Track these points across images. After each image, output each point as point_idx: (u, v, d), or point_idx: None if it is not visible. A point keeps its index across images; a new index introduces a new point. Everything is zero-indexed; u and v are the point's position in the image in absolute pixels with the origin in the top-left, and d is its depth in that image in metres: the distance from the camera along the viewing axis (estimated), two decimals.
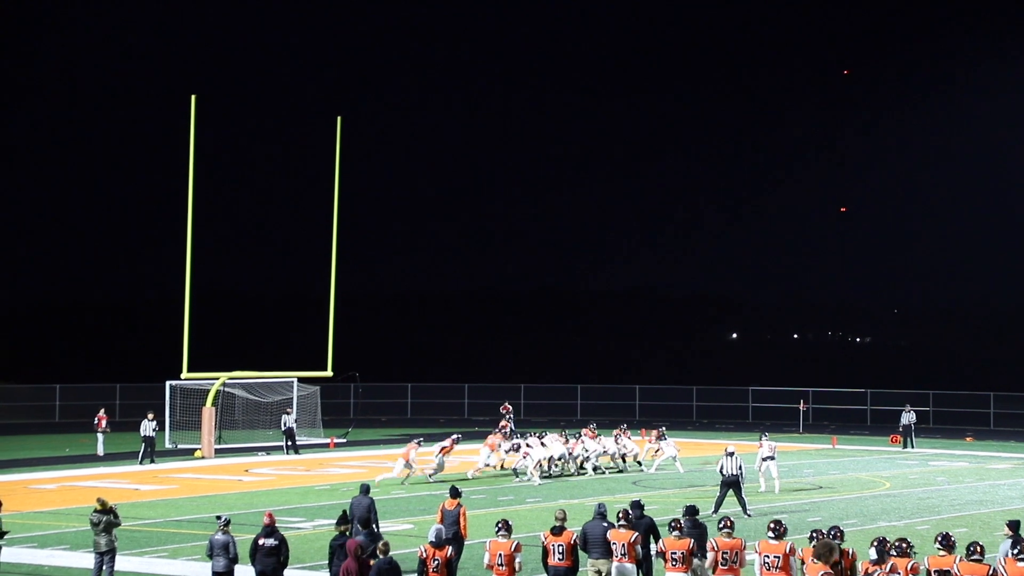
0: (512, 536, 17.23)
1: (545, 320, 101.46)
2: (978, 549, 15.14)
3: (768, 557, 16.55)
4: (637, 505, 19.57)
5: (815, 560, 14.85)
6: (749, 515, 28.18)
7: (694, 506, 19.53)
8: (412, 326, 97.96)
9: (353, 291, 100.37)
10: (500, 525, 17.30)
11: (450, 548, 16.94)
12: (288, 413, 44.57)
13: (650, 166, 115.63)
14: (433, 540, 16.82)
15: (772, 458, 32.87)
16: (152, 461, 39.95)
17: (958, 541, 16.25)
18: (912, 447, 46.59)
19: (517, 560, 16.91)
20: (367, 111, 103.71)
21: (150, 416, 40.70)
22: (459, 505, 20.86)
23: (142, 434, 40.22)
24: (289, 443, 43.59)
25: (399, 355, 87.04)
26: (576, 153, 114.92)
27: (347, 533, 18.25)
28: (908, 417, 46.96)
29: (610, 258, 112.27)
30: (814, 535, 16.46)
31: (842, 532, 16.59)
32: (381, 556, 16.33)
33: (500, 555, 16.93)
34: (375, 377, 68.52)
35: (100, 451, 42.39)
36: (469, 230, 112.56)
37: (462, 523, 20.58)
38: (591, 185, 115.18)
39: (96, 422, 42.98)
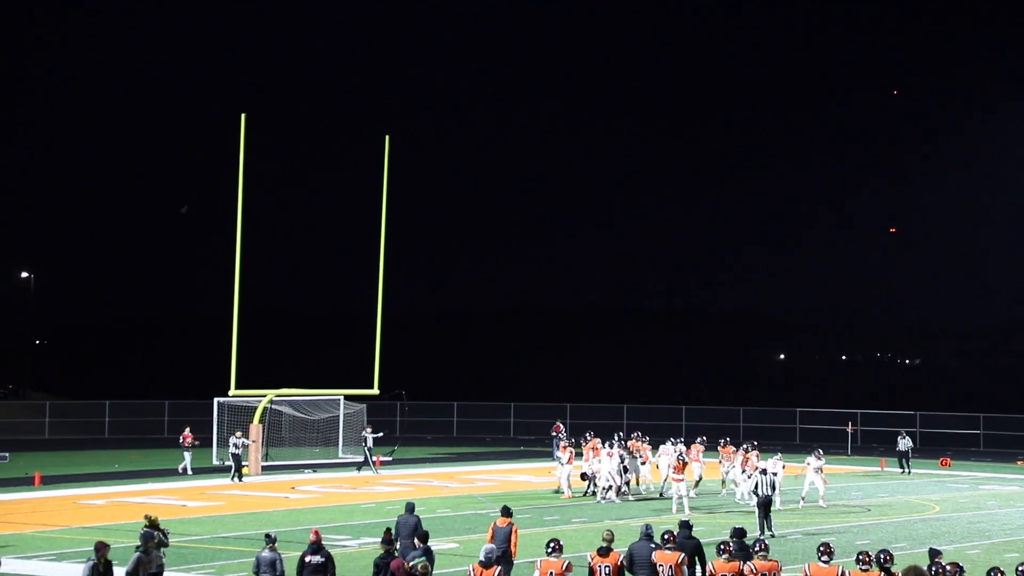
0: (562, 556, 17.18)
1: (592, 339, 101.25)
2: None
3: None
4: (686, 525, 19.48)
5: None
6: (774, 535, 28.03)
7: (742, 528, 19.40)
8: (458, 344, 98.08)
9: (400, 309, 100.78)
10: (552, 544, 17.27)
11: (499, 568, 16.90)
12: (369, 432, 44.45)
13: (700, 186, 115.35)
14: (483, 560, 16.79)
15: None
16: (240, 479, 40.28)
17: (1007, 565, 16.04)
18: (909, 471, 45.90)
19: None
20: (417, 130, 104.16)
21: (238, 434, 41.51)
22: (511, 524, 20.77)
23: (231, 451, 40.67)
24: (364, 461, 43.67)
25: (445, 374, 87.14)
26: (621, 172, 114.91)
27: (393, 552, 18.25)
28: (904, 443, 46.35)
29: (659, 277, 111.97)
30: (860, 557, 16.30)
31: (891, 555, 16.42)
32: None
33: (551, 573, 16.89)
34: (421, 395, 68.68)
35: (188, 469, 42.50)
36: (516, 248, 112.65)
37: (513, 541, 20.46)
38: (637, 205, 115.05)
39: (182, 440, 43.06)
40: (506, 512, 21.18)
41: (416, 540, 19.49)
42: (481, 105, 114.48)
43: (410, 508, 21.75)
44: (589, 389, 77.98)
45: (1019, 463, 51.49)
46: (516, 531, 20.82)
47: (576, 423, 63.35)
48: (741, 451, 36.72)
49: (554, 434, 49.48)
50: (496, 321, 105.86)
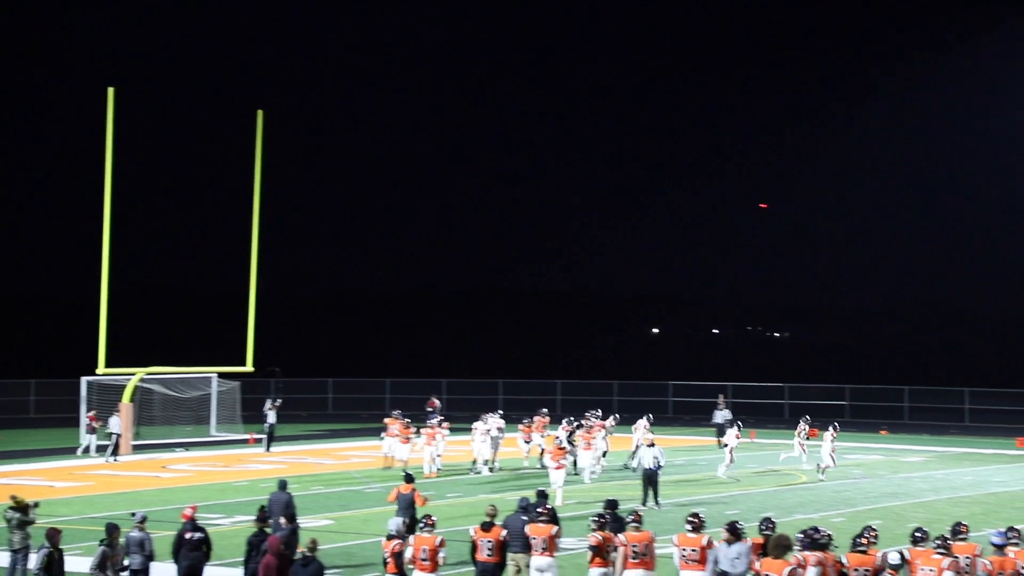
0: (435, 532, 17.24)
1: (470, 316, 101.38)
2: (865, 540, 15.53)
3: (686, 551, 16.72)
4: (542, 495, 19.81)
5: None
6: (659, 507, 28.53)
7: (615, 500, 19.66)
8: (333, 321, 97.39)
9: (277, 287, 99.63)
10: (424, 520, 17.33)
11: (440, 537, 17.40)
12: (271, 406, 43.49)
13: (578, 165, 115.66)
14: (393, 532, 17.03)
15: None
16: (114, 458, 39.54)
17: (879, 534, 16.57)
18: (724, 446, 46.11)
19: (441, 555, 16.95)
20: (293, 105, 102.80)
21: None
22: (413, 490, 22.11)
23: (107, 431, 40.01)
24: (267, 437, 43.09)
25: (320, 350, 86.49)
26: (508, 152, 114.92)
27: (266, 530, 18.15)
28: (722, 415, 46.32)
29: (533, 256, 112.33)
30: (729, 526, 16.61)
31: (773, 523, 16.83)
32: (307, 554, 16.28)
33: (424, 549, 16.96)
34: (296, 372, 68.06)
35: (92, 449, 41.35)
36: (394, 227, 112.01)
37: (418, 505, 21.97)
38: (516, 183, 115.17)
39: (88, 421, 41.93)
40: (409, 479, 22.45)
41: (283, 519, 19.44)
42: (374, 82, 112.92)
43: (282, 485, 21.66)
44: (466, 365, 78.12)
45: (882, 432, 52.88)
46: (419, 496, 22.17)
47: (452, 398, 63.44)
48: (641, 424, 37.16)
49: (429, 409, 49.43)
50: (372, 297, 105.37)
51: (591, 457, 34.59)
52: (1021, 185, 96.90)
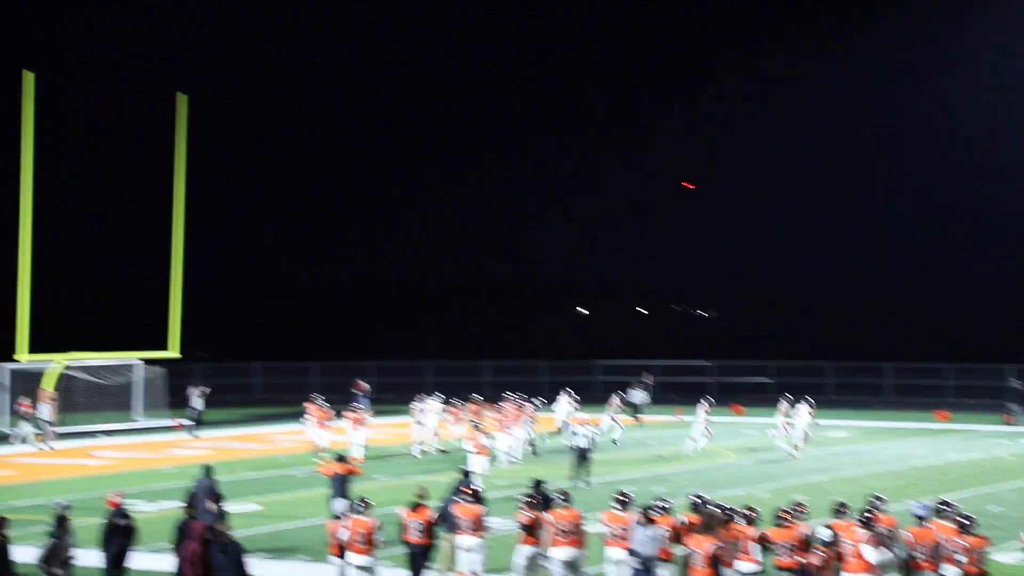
0: (370, 513, 17.27)
1: (397, 301, 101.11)
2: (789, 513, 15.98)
3: (614, 528, 16.91)
4: (465, 472, 19.91)
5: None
6: (589, 485, 28.77)
7: (540, 480, 19.78)
8: (260, 305, 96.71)
9: (203, 273, 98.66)
10: (360, 502, 17.38)
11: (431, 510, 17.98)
12: (197, 392, 43.20)
13: (501, 153, 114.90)
14: (338, 514, 17.18)
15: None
16: (41, 445, 39.24)
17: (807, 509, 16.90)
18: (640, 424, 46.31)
19: (377, 537, 16.99)
20: (219, 89, 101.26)
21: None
22: (347, 469, 22.73)
23: (38, 417, 39.63)
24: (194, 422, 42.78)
25: (247, 334, 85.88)
26: (432, 142, 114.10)
27: (195, 515, 18.07)
28: (638, 395, 46.40)
29: (456, 244, 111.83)
30: (654, 503, 16.81)
31: (704, 498, 17.09)
32: (225, 539, 16.24)
33: (360, 532, 17.02)
34: (222, 357, 67.62)
35: (27, 437, 40.64)
36: (318, 215, 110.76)
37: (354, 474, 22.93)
38: (447, 171, 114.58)
39: (18, 408, 41.22)
40: (341, 459, 23.11)
41: (207, 502, 19.39)
42: (296, 72, 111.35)
43: (207, 471, 21.54)
44: (396, 347, 77.96)
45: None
46: (354, 467, 22.99)
47: (382, 381, 63.35)
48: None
49: (357, 392, 49.29)
50: (300, 282, 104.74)
51: (508, 441, 34.55)
52: (939, 165, 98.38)
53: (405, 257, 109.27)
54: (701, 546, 15.00)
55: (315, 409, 36.34)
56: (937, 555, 15.31)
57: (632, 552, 16.31)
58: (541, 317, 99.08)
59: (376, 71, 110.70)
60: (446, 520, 18.22)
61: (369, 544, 16.88)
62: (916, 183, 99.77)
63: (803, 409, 36.47)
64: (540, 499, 18.51)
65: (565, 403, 38.96)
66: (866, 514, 15.80)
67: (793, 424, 36.24)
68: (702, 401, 37.53)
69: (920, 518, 15.76)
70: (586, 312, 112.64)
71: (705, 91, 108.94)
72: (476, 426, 31.48)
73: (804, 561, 15.47)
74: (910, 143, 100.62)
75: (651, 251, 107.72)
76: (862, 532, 15.08)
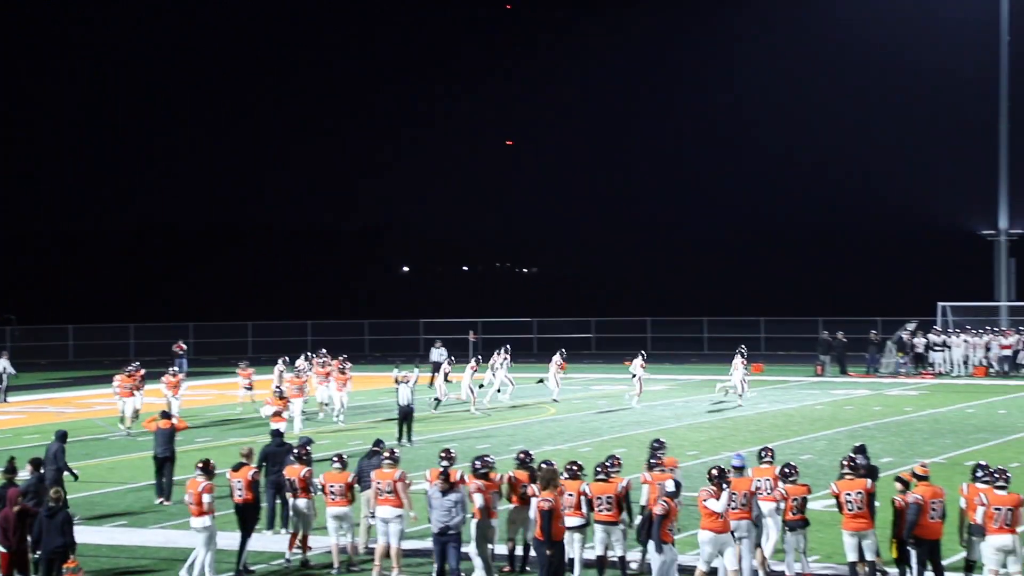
0: (206, 475, 17.11)
1: (213, 257, 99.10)
2: (616, 463, 16.67)
3: (383, 484, 16.97)
4: (305, 442, 19.73)
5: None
6: (411, 443, 28.82)
7: (380, 439, 19.73)
8: (72, 265, 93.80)
9: (9, 232, 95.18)
10: (200, 465, 17.18)
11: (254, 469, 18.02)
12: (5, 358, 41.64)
13: (302, 103, 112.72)
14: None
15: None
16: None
17: (623, 462, 17.23)
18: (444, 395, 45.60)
19: (206, 499, 16.80)
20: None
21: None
22: (172, 425, 23.04)
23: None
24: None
25: (58, 295, 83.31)
26: (235, 88, 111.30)
27: (14, 481, 17.54)
28: (438, 354, 45.66)
29: (278, 194, 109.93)
30: (476, 461, 16.89)
31: (529, 453, 17.27)
32: (52, 504, 15.77)
33: (190, 493, 17.06)
34: (33, 319, 65.54)
35: None
36: (131, 166, 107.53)
37: (180, 428, 23.57)
38: (255, 121, 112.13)
39: None
40: (165, 415, 23.40)
41: (29, 466, 18.86)
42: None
43: (60, 436, 21.22)
44: (213, 307, 76.55)
45: (626, 363, 54.50)
46: (180, 422, 23.76)
47: (200, 342, 62.25)
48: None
49: (177, 351, 48.32)
50: (111, 240, 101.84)
51: (338, 399, 34.26)
52: (745, 112, 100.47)
53: (234, 204, 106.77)
54: (540, 503, 15.11)
55: (121, 378, 33.57)
56: (752, 503, 15.75)
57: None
58: (360, 276, 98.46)
59: None
60: (363, 481, 18.22)
61: (200, 506, 16.75)
62: (730, 132, 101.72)
63: (737, 361, 37.48)
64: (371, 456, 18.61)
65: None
66: (651, 460, 16.48)
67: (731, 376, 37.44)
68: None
69: (738, 468, 16.16)
70: (407, 269, 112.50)
71: (523, 43, 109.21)
72: (276, 391, 29.10)
73: (624, 515, 15.96)
74: (714, 93, 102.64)
75: (474, 209, 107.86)
76: (704, 490, 15.30)
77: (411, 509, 16.95)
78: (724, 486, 15.04)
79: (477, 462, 16.76)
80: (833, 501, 15.90)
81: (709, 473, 15.37)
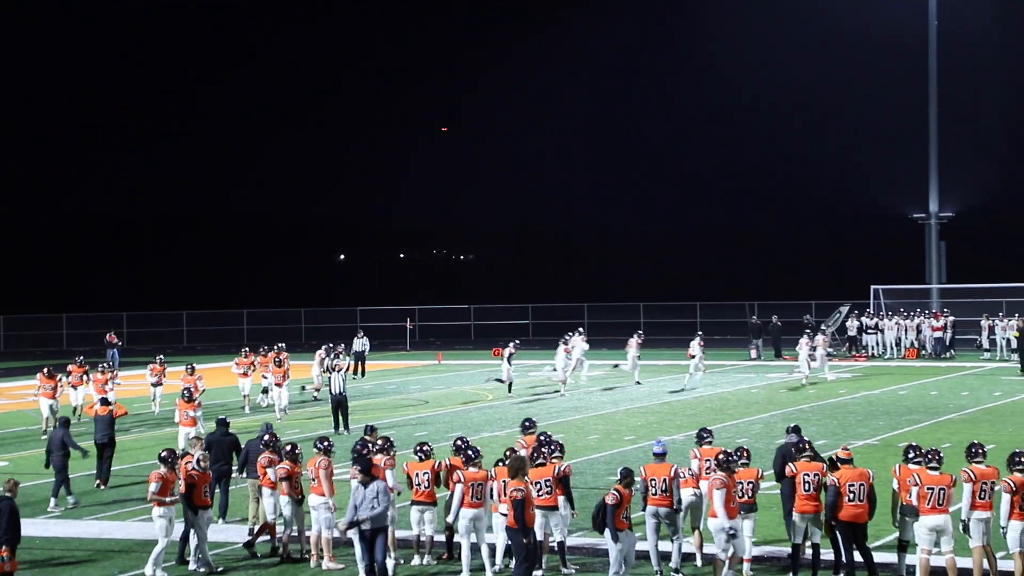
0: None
1: (147, 247, 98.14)
2: (557, 448, 16.63)
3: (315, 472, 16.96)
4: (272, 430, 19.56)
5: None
6: (348, 432, 28.74)
7: (268, 423, 19.68)
8: (5, 252, 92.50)
9: None
10: (165, 454, 17.05)
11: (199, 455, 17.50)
12: None
13: (235, 95, 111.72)
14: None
15: None
16: None
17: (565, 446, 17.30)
18: (363, 374, 44.62)
19: (151, 488, 16.89)
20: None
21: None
22: (110, 411, 23.22)
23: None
24: None
25: None
26: (179, 78, 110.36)
27: None
28: (360, 343, 45.62)
29: (214, 185, 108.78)
30: (417, 447, 16.87)
31: (467, 440, 17.20)
32: (5, 494, 15.54)
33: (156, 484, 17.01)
34: None
35: None
36: (69, 152, 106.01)
37: (118, 414, 23.92)
38: (191, 114, 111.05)
39: None
40: (104, 402, 23.70)
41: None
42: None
43: (64, 423, 21.56)
44: (146, 297, 75.86)
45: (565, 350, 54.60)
46: (119, 407, 24.23)
47: (132, 331, 61.69)
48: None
49: (111, 341, 47.84)
50: (45, 227, 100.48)
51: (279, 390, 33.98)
52: (676, 100, 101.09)
53: (170, 194, 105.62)
54: (513, 492, 15.01)
55: (41, 378, 32.04)
56: (673, 488, 15.77)
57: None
58: (296, 265, 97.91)
59: None
60: (250, 465, 18.28)
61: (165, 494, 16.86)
62: (669, 120, 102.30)
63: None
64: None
65: (318, 354, 37.62)
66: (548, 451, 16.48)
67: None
68: (698, 338, 38.86)
69: (659, 455, 16.19)
70: (343, 257, 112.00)
71: (460, 35, 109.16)
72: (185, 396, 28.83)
73: (562, 498, 15.95)
74: (658, 78, 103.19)
75: (411, 196, 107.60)
76: (716, 478, 15.31)
77: (331, 496, 16.79)
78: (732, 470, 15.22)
79: (417, 447, 16.82)
80: (768, 485, 15.97)
81: (716, 458, 15.44)
